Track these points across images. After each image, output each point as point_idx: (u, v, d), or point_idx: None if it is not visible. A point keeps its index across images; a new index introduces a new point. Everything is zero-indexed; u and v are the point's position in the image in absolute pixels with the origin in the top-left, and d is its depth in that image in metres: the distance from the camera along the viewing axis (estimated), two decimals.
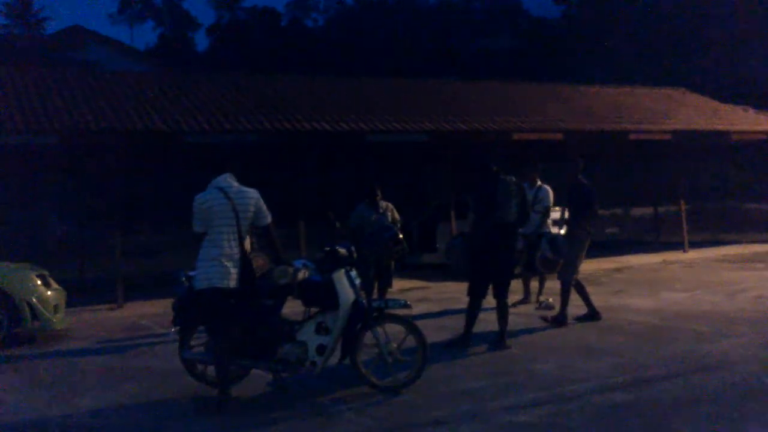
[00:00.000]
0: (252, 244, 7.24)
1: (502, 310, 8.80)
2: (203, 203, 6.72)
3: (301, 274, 7.07)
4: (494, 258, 8.77)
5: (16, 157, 14.62)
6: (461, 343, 8.80)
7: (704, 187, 23.92)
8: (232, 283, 6.63)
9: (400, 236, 10.29)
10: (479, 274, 8.87)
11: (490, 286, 8.89)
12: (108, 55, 29.21)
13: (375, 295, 10.58)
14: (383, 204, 11.23)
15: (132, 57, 34.66)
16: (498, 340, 8.74)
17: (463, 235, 10.25)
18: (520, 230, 10.68)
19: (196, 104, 16.11)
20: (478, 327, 8.95)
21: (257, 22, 68.13)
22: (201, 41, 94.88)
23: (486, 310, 9.17)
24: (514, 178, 8.95)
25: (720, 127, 20.59)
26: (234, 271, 6.64)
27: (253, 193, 6.86)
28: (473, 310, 8.91)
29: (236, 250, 6.68)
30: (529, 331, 9.79)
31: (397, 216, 11.32)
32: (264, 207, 6.87)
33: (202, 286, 6.69)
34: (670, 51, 40.95)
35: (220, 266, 6.61)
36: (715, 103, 23.62)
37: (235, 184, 6.87)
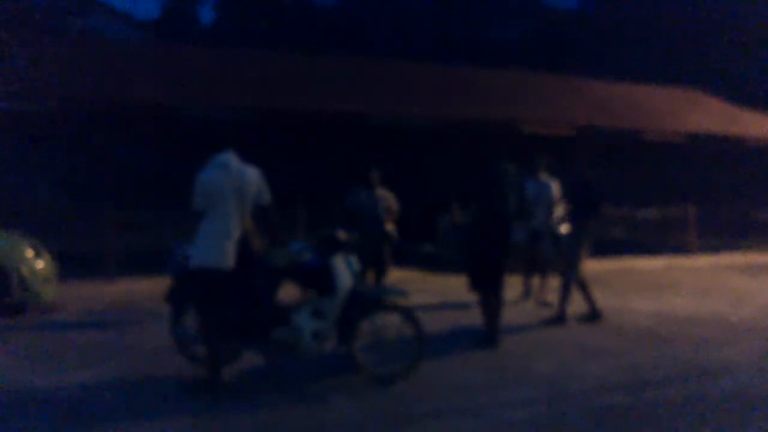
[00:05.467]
0: (250, 223, 7.07)
1: (497, 305, 8.57)
2: (205, 181, 6.58)
3: (299, 257, 6.92)
4: (489, 250, 8.51)
5: (8, 123, 14.45)
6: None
7: (715, 192, 23.69)
8: (230, 263, 6.51)
9: (389, 228, 10.12)
10: (475, 267, 8.64)
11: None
12: (110, 24, 28.99)
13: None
14: (381, 192, 10.98)
15: (134, 28, 34.49)
16: (489, 336, 8.53)
17: (459, 226, 10.05)
18: (524, 224, 10.55)
19: (196, 78, 15.96)
20: (478, 321, 8.75)
21: None
22: (207, 14, 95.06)
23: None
24: (514, 168, 8.71)
25: (735, 132, 20.39)
26: (232, 251, 6.53)
27: (254, 172, 6.72)
28: (487, 303, 8.57)
29: (236, 230, 6.57)
30: (528, 328, 9.64)
31: (394, 206, 11.04)
32: (265, 186, 6.74)
33: (198, 265, 6.56)
34: (688, 51, 40.65)
35: (219, 246, 6.49)
36: (730, 107, 23.41)
37: (237, 161, 6.72)
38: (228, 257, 6.50)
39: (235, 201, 6.56)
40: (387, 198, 10.93)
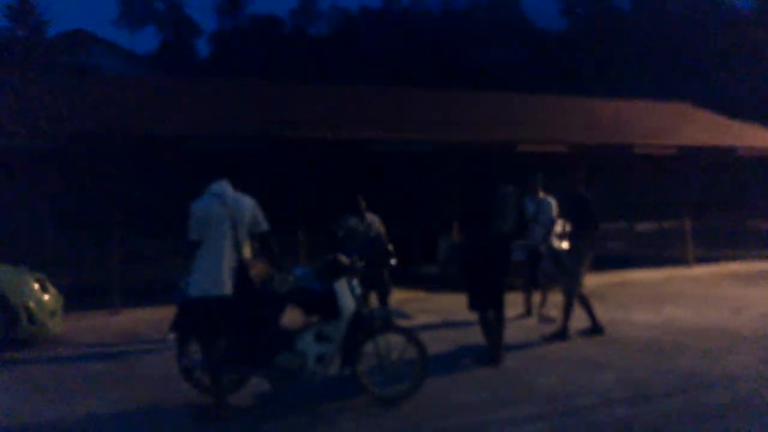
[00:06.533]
0: (253, 250, 7.17)
1: (499, 323, 8.63)
2: (199, 210, 6.67)
3: (302, 282, 7.01)
4: (489, 269, 8.57)
5: (14, 160, 14.57)
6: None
7: (710, 202, 23.81)
8: (227, 291, 6.57)
9: (389, 249, 10.22)
10: (475, 286, 8.70)
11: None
12: (109, 60, 29.16)
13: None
14: (369, 216, 11.19)
15: (133, 62, 34.63)
16: (493, 354, 8.56)
17: (459, 246, 10.13)
18: (523, 242, 10.63)
19: (196, 110, 16.09)
20: (480, 339, 8.85)
21: (260, 29, 68.18)
22: (203, 48, 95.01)
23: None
24: (512, 188, 8.80)
25: (726, 143, 20.55)
26: (229, 279, 6.58)
27: (248, 201, 6.81)
28: (487, 322, 8.63)
29: (232, 258, 6.62)
30: (531, 344, 9.70)
31: (382, 229, 11.22)
32: (260, 214, 6.82)
33: (195, 295, 6.65)
34: (676, 66, 40.95)
35: (215, 274, 6.55)
36: (721, 119, 23.58)
37: (231, 190, 6.81)
38: (224, 285, 6.55)
39: (229, 230, 6.61)
40: (374, 221, 11.14)
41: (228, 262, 6.59)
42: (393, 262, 10.37)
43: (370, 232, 10.90)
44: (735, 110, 27.55)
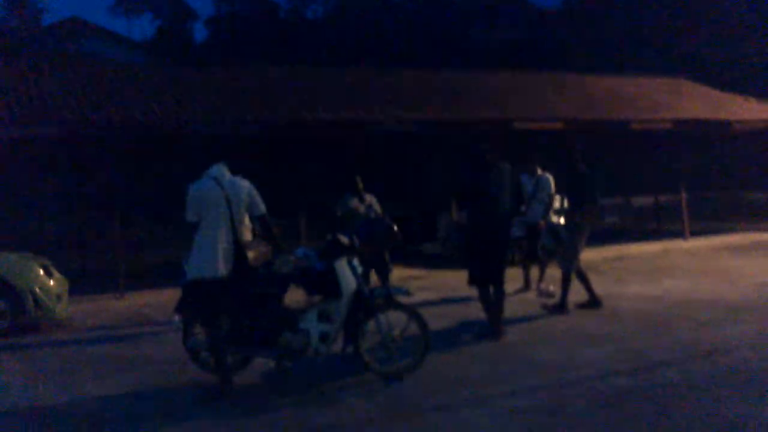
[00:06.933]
0: (254, 233, 7.27)
1: (499, 298, 8.77)
2: (195, 192, 6.77)
3: (304, 263, 7.11)
4: (488, 246, 8.69)
5: (14, 148, 14.65)
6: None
7: (705, 176, 23.90)
8: (223, 272, 6.65)
9: (394, 228, 10.30)
10: (474, 262, 8.81)
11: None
12: (105, 47, 29.17)
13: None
14: (367, 196, 11.30)
15: (130, 48, 34.61)
16: (494, 328, 8.68)
17: (458, 224, 10.22)
18: (523, 219, 10.74)
19: (195, 95, 16.14)
20: (481, 315, 8.96)
21: (255, 13, 67.86)
22: (199, 33, 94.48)
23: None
24: (509, 166, 8.89)
25: (721, 117, 20.60)
26: (226, 259, 6.67)
27: (245, 184, 6.90)
28: (486, 298, 8.76)
29: (229, 239, 6.70)
30: (530, 318, 9.82)
31: (379, 208, 11.33)
32: (257, 197, 6.90)
33: (193, 276, 6.76)
34: (672, 41, 40.87)
35: (211, 256, 6.64)
36: (717, 93, 23.61)
37: (228, 174, 6.91)
38: (220, 267, 6.64)
39: (225, 212, 6.71)
40: (373, 201, 11.26)
41: (223, 244, 6.67)
42: (398, 240, 10.39)
43: (371, 212, 11.03)
44: (731, 84, 27.58)
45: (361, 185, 11.25)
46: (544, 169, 12.15)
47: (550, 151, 13.64)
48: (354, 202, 11.08)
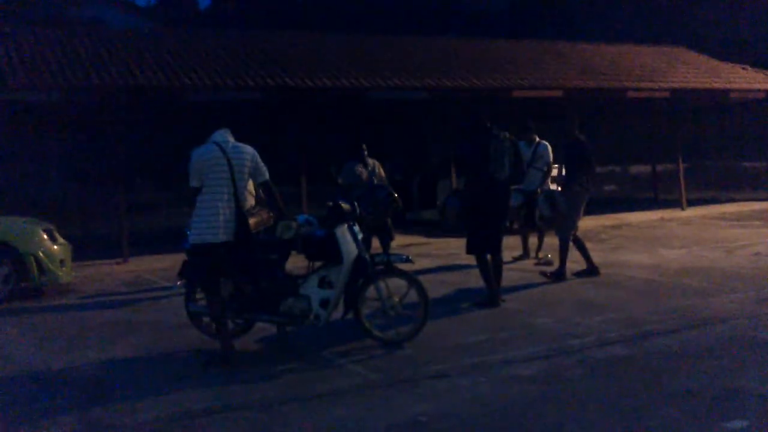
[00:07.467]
0: (257, 199, 7.31)
1: (497, 266, 8.85)
2: (199, 157, 6.75)
3: (305, 229, 7.16)
4: (487, 215, 8.74)
5: (18, 113, 14.67)
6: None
7: (702, 145, 23.94)
8: (225, 237, 6.65)
9: (395, 195, 10.33)
10: (473, 231, 8.86)
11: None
12: (108, 13, 28.98)
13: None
14: (370, 161, 11.37)
15: (133, 14, 34.37)
16: (492, 296, 8.75)
17: (457, 192, 10.26)
18: (520, 187, 10.79)
19: (198, 61, 16.12)
20: (480, 283, 9.03)
21: None
22: None
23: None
24: (507, 134, 8.89)
25: (718, 86, 20.60)
26: (228, 225, 6.66)
27: (249, 149, 6.88)
28: (484, 266, 8.82)
29: (231, 205, 6.69)
30: (528, 286, 9.89)
31: (383, 173, 11.44)
32: (261, 163, 6.89)
33: (194, 241, 6.77)
34: (669, 8, 40.62)
35: (213, 221, 6.63)
36: (714, 62, 23.55)
37: (232, 139, 6.89)
38: (221, 232, 6.64)
39: (228, 177, 6.68)
40: (376, 165, 11.34)
41: (225, 210, 6.66)
42: (399, 207, 10.42)
43: (375, 178, 11.09)
44: (727, 53, 27.46)
45: (366, 152, 11.30)
46: (541, 137, 12.17)
47: (547, 119, 13.69)
48: (359, 168, 11.14)
